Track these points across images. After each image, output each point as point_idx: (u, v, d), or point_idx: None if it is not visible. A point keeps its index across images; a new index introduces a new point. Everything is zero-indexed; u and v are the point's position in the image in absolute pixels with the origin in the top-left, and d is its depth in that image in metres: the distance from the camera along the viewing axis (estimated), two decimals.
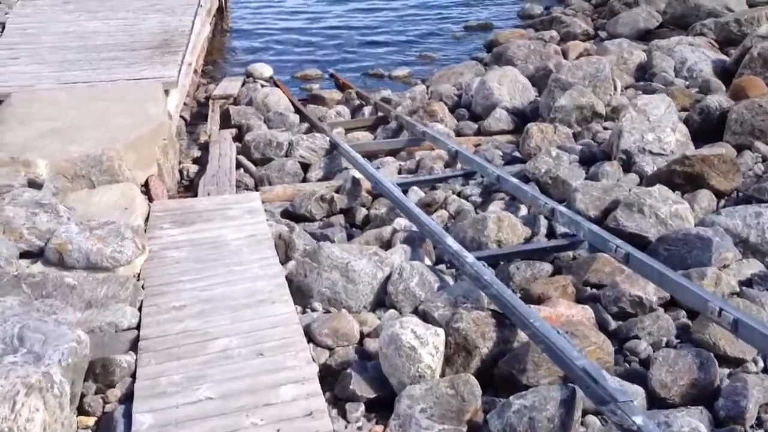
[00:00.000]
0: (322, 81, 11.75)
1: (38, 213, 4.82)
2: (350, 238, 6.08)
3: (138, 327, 4.30)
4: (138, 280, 4.84)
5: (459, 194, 6.31)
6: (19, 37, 9.44)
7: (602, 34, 11.69)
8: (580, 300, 4.66)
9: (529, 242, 5.37)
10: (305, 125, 8.82)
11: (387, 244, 5.55)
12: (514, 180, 5.86)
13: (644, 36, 10.62)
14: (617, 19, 10.96)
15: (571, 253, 5.21)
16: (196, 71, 10.77)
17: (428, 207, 6.11)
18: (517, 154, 7.35)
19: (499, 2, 16.05)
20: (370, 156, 7.95)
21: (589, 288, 4.84)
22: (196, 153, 7.95)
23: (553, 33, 11.96)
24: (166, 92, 7.65)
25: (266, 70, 11.80)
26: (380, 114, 9.18)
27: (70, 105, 7.05)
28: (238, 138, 8.46)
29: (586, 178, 5.97)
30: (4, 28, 9.85)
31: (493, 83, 8.72)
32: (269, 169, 7.41)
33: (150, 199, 6.41)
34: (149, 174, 6.56)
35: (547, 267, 5.03)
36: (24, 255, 4.79)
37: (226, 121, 8.85)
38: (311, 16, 15.33)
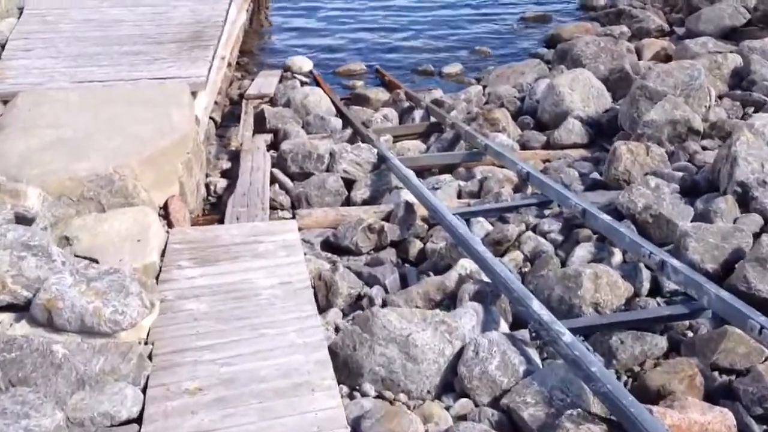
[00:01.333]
0: (365, 77, 10.74)
1: (25, 257, 3.90)
2: (403, 279, 5.09)
3: (140, 418, 3.35)
4: (145, 343, 3.90)
5: (534, 229, 5.27)
6: (37, 24, 8.55)
7: (679, 30, 10.48)
8: (709, 393, 3.63)
9: (632, 305, 4.31)
10: (348, 131, 7.82)
11: (451, 295, 4.54)
12: (606, 218, 4.81)
13: (729, 35, 9.43)
14: (699, 15, 9.76)
15: (687, 322, 4.16)
16: (230, 64, 9.82)
17: (498, 245, 5.10)
18: (596, 175, 6.28)
19: None
20: (424, 171, 6.95)
21: (718, 374, 3.80)
22: (226, 164, 6.99)
23: (624, 28, 10.78)
24: (194, 94, 6.70)
25: (306, 64, 10.84)
26: (433, 119, 8.15)
27: (82, 109, 6.14)
28: (274, 145, 7.50)
29: (694, 218, 4.88)
30: (21, 13, 8.98)
31: (564, 88, 7.63)
32: (308, 186, 6.44)
33: (169, 224, 5.48)
34: (169, 195, 5.63)
35: (661, 342, 4.00)
36: (7, 308, 3.88)
37: (260, 125, 7.89)
38: (356, 6, 14.28)
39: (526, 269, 4.88)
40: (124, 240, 4.95)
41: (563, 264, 4.76)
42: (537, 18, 12.89)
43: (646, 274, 4.49)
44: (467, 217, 5.50)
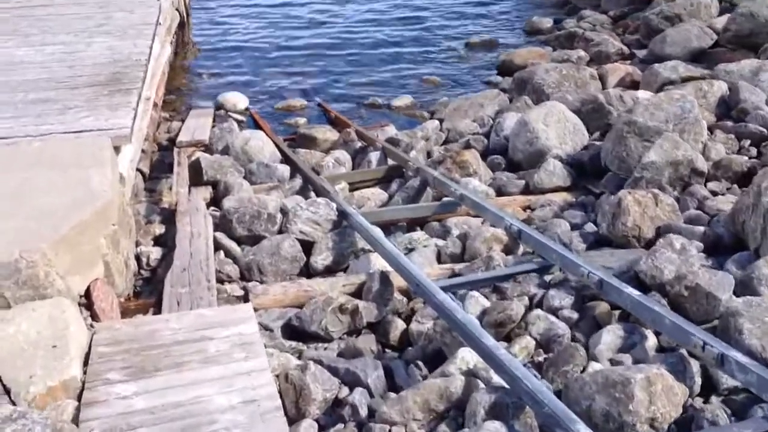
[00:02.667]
0: (308, 113, 9.82)
1: None
2: (388, 373, 4.16)
3: None
4: None
5: (540, 304, 4.42)
6: None
7: (639, 53, 9.90)
8: None
9: (688, 411, 3.48)
10: (298, 180, 6.88)
11: (458, 404, 3.63)
12: (633, 292, 3.98)
13: (698, 57, 8.87)
14: (663, 37, 9.18)
15: None
16: (155, 105, 8.76)
17: (500, 327, 4.22)
18: (591, 226, 5.49)
19: (497, 15, 14.26)
20: (389, 226, 6.06)
21: None
22: (159, 227, 5.94)
23: (581, 53, 10.16)
24: (116, 149, 5.65)
25: (240, 101, 9.89)
26: (391, 162, 7.28)
27: None
28: (214, 201, 6.49)
29: (735, 287, 4.10)
30: None
31: (538, 124, 6.86)
32: (260, 253, 5.45)
33: (93, 317, 4.43)
34: (92, 279, 4.58)
35: None
36: None
37: (196, 176, 6.87)
38: (286, 31, 13.37)
39: (540, 358, 4.01)
40: (36, 347, 3.90)
41: (585, 349, 3.92)
42: (483, 43, 12.20)
43: (695, 367, 3.68)
44: (456, 289, 4.62)
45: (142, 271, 5.46)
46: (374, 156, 7.41)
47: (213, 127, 8.36)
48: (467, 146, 7.27)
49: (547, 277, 4.72)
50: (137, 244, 5.65)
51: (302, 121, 9.39)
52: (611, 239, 5.03)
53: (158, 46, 8.92)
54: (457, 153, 6.68)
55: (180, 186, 6.37)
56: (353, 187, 6.99)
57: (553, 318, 4.21)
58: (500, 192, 6.48)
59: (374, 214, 5.97)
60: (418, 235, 5.66)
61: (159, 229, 5.92)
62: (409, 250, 5.49)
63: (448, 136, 8.15)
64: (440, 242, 5.56)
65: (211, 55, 12.38)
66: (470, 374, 3.80)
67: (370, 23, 13.52)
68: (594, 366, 3.76)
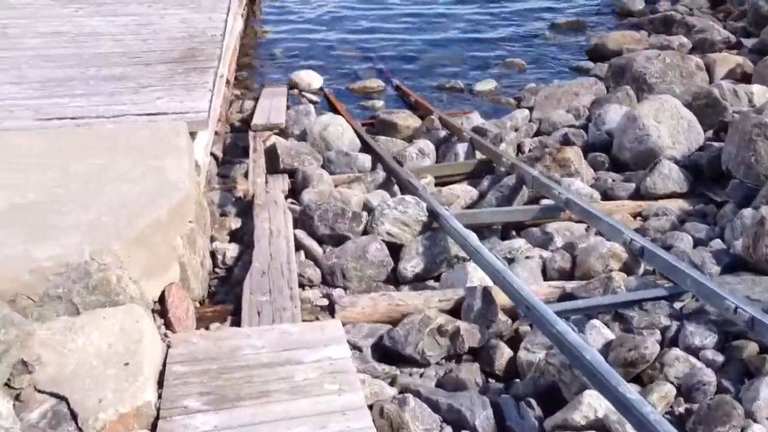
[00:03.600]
0: (385, 95, 9.28)
1: None
2: (497, 411, 3.64)
3: None
4: None
5: (675, 340, 3.83)
6: None
7: (747, 42, 9.09)
8: None
9: None
10: (380, 173, 6.35)
11: None
12: None
13: None
14: None
15: None
16: (228, 82, 8.34)
17: (630, 368, 3.66)
18: (718, 243, 4.86)
19: None
20: (482, 229, 5.51)
21: None
22: (234, 221, 5.49)
23: (683, 39, 9.38)
24: (192, 134, 5.21)
25: (314, 80, 9.40)
26: (481, 155, 6.71)
27: (46, 160, 4.63)
28: (292, 192, 6.02)
29: None
30: None
31: (649, 120, 6.22)
32: (344, 256, 4.96)
33: (167, 324, 4.01)
34: (166, 282, 4.15)
35: None
36: None
37: (272, 163, 6.41)
38: (360, 6, 12.80)
39: (681, 408, 3.44)
40: (106, 364, 3.49)
41: (737, 400, 3.34)
42: (570, 25, 11.48)
43: None
44: (572, 314, 4.06)
45: (217, 269, 5.03)
46: (461, 148, 6.85)
47: (287, 108, 7.88)
48: (566, 141, 6.65)
49: (678, 304, 4.13)
50: (212, 239, 5.21)
51: (379, 104, 8.87)
52: (750, 263, 4.40)
53: (231, 18, 8.45)
54: (557, 149, 6.08)
55: (257, 175, 5.90)
56: (439, 181, 6.46)
57: (693, 360, 3.63)
58: (606, 196, 5.87)
59: (468, 215, 5.42)
60: (519, 243, 5.09)
61: (234, 222, 5.47)
62: (509, 261, 4.93)
63: (540, 128, 7.54)
64: (545, 253, 4.99)
65: (281, 29, 11.91)
66: (601, 428, 3.25)
67: (449, 3, 12.85)
68: (755, 429, 3.19)
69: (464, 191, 6.12)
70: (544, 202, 5.73)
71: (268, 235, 4.99)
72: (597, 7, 12.59)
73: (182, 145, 4.85)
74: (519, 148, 7.14)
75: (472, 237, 4.87)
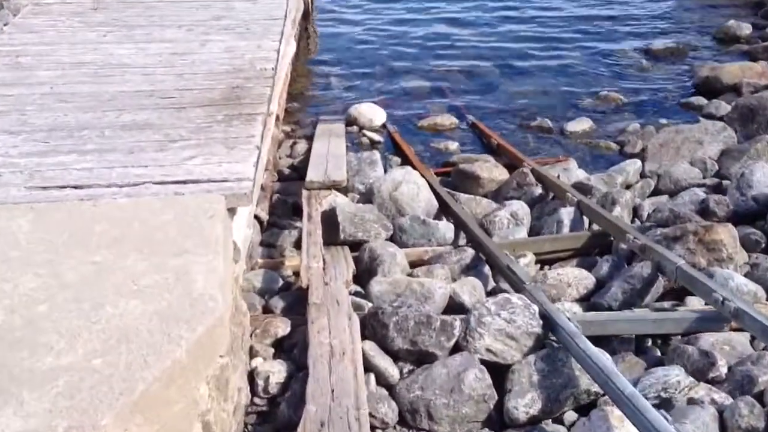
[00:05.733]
0: (458, 134, 7.95)
1: None
2: None
3: None
4: None
5: None
6: (6, 71, 5.88)
7: None
8: None
9: None
10: (468, 251, 4.98)
11: None
12: None
13: None
14: None
15: None
16: (277, 118, 7.09)
17: None
18: None
19: (673, 14, 11.94)
20: (607, 339, 4.13)
21: None
22: (281, 324, 4.18)
23: None
24: (231, 210, 3.93)
25: (377, 115, 8.12)
26: (593, 226, 5.33)
27: (31, 254, 3.38)
28: (356, 276, 4.70)
29: None
30: None
31: None
32: (430, 387, 3.63)
33: None
34: None
35: None
36: None
37: (330, 232, 5.10)
38: (424, 26, 11.48)
39: None
40: None
41: None
42: (669, 52, 9.97)
43: None
44: None
45: (257, 400, 3.73)
46: (566, 214, 5.46)
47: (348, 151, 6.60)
48: (704, 211, 5.21)
49: None
50: (251, 351, 3.91)
51: (453, 146, 7.53)
52: None
53: (284, 43, 7.20)
54: (705, 229, 4.64)
55: (311, 256, 4.59)
56: (540, 258, 5.11)
57: None
58: None
59: (596, 324, 4.04)
60: (675, 373, 3.65)
61: (282, 325, 4.16)
62: (662, 401, 3.53)
63: (659, 185, 6.12)
64: (717, 395, 3.57)
65: (334, 52, 10.63)
66: None
67: (527, 23, 11.46)
68: None
69: (577, 278, 4.73)
70: (691, 301, 4.33)
71: (327, 355, 3.67)
72: (691, 29, 11.07)
73: (217, 235, 3.56)
74: (635, 213, 5.75)
75: (609, 366, 3.49)
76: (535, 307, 3.97)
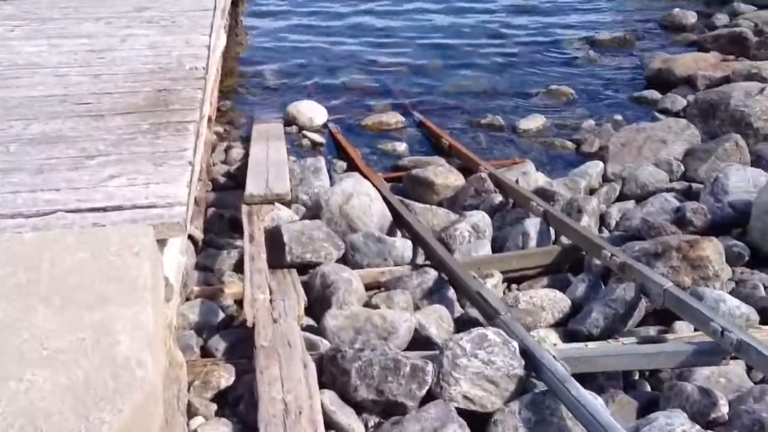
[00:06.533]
0: (405, 134, 7.45)
1: None
2: None
3: None
4: None
5: None
6: None
7: None
8: None
9: None
10: (431, 273, 4.48)
11: None
12: None
13: None
14: None
15: None
16: (209, 119, 6.46)
17: None
18: None
19: (613, 3, 11.71)
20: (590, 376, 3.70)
21: None
22: (224, 374, 3.59)
23: None
24: (162, 241, 3.33)
25: (317, 114, 7.58)
26: (562, 240, 4.92)
27: None
28: (309, 309, 4.15)
29: None
30: None
31: None
32: None
33: None
34: None
35: None
36: None
37: (274, 253, 4.53)
38: (365, 15, 10.94)
39: None
40: None
41: None
42: (615, 42, 9.70)
43: None
44: None
45: None
46: (532, 226, 5.01)
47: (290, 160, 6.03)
48: (680, 220, 4.83)
49: None
50: (189, 409, 3.33)
51: (401, 147, 7.04)
52: None
53: (214, 38, 6.56)
54: (689, 244, 4.24)
55: (256, 286, 4.01)
56: (507, 277, 4.66)
57: None
58: (765, 313, 4.06)
59: (583, 360, 3.59)
60: (679, 422, 3.20)
61: (225, 374, 3.57)
62: None
63: (624, 189, 5.74)
64: None
65: (265, 43, 10.01)
66: None
67: (467, 14, 11.02)
68: None
69: (552, 300, 4.29)
70: (680, 326, 3.94)
71: (281, 414, 3.11)
72: (635, 17, 10.82)
73: (144, 277, 2.96)
74: (602, 220, 5.37)
75: (606, 419, 3.05)
76: (515, 344, 3.50)
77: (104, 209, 3.41)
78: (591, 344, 3.83)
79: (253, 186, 5.12)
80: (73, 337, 2.65)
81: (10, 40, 5.87)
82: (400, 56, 9.30)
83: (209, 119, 6.53)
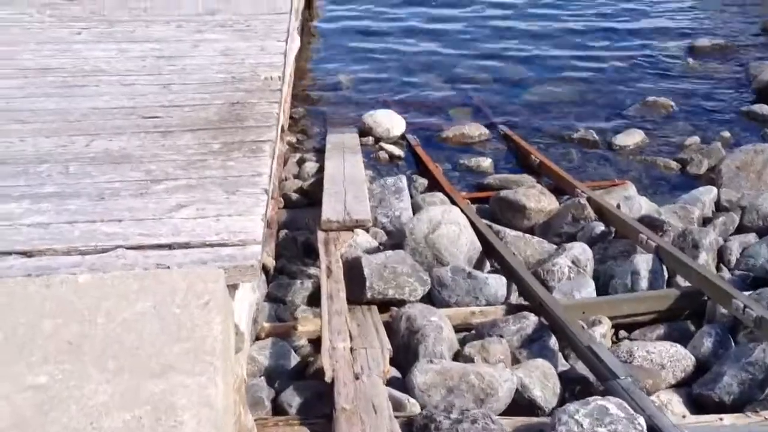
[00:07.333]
0: (490, 147, 6.90)
1: None
2: None
3: None
4: None
5: None
6: None
7: None
8: None
9: None
10: (531, 319, 3.95)
11: None
12: None
13: None
14: None
15: None
16: (282, 129, 6.03)
17: None
18: None
19: (701, 5, 10.92)
20: None
21: None
22: None
23: None
24: (233, 288, 2.88)
25: (396, 124, 7.09)
26: (677, 280, 4.32)
27: None
28: (394, 359, 3.66)
29: None
30: None
31: None
32: None
33: None
34: None
35: None
36: None
37: (354, 286, 4.06)
38: (448, 23, 10.40)
39: None
40: None
41: None
42: (716, 49, 8.95)
43: None
44: None
45: None
46: (643, 264, 4.42)
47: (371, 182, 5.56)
48: None
49: None
50: None
51: (486, 162, 6.49)
52: None
53: (289, 42, 6.13)
54: None
55: (335, 331, 3.53)
56: (617, 323, 4.10)
57: None
58: None
59: None
60: None
61: None
62: None
63: (743, 220, 5.10)
64: None
65: (338, 46, 9.58)
66: None
67: (554, 20, 10.37)
68: None
69: (673, 357, 3.72)
70: None
71: None
72: (736, 22, 10.03)
73: (214, 337, 2.51)
74: (720, 257, 4.75)
75: None
76: (642, 421, 2.95)
77: (170, 246, 2.98)
78: (727, 418, 3.24)
79: (330, 210, 4.64)
80: (128, 415, 2.22)
81: (76, 43, 5.56)
82: (481, 64, 8.75)
83: (282, 129, 6.13)
